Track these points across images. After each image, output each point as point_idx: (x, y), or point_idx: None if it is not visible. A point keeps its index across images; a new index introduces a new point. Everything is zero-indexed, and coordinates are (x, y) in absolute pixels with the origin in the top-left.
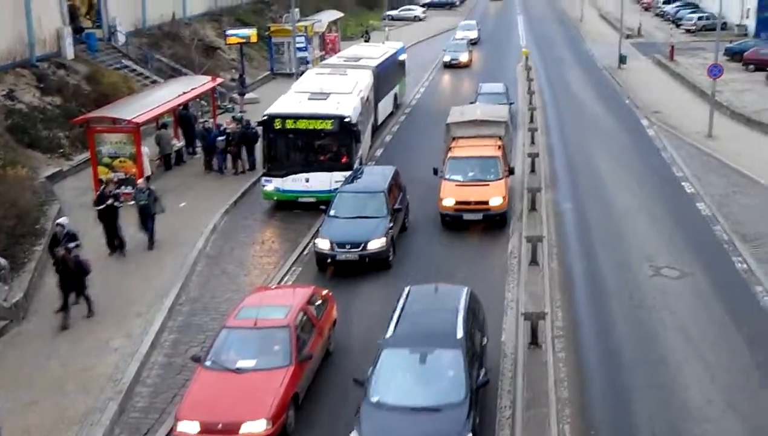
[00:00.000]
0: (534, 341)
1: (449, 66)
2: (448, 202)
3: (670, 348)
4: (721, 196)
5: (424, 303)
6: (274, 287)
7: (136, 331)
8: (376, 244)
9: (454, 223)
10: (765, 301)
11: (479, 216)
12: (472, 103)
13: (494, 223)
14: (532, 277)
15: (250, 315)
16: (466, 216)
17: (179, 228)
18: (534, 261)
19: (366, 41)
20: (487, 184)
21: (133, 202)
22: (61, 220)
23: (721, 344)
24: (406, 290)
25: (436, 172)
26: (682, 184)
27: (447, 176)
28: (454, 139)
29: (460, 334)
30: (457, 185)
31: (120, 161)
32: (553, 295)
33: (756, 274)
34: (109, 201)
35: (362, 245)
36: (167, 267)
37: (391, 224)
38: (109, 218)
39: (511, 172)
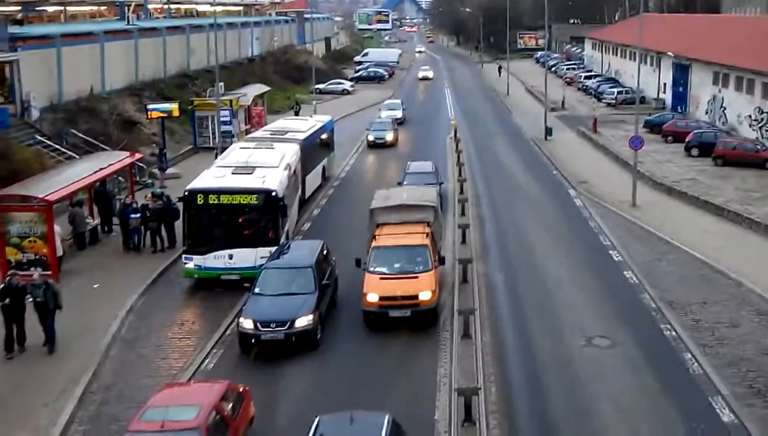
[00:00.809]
0: (468, 417)
1: (374, 146)
2: (372, 298)
3: (605, 421)
4: (646, 263)
5: None
6: (184, 382)
7: (42, 423)
8: (303, 321)
9: (379, 321)
10: (694, 368)
11: (407, 313)
12: (399, 183)
13: (423, 320)
14: (464, 351)
15: (156, 417)
16: (393, 313)
17: (92, 311)
18: (466, 334)
19: (296, 113)
20: (416, 277)
21: (30, 298)
22: None
23: (654, 414)
24: (315, 421)
25: (359, 263)
26: (610, 252)
27: (371, 268)
28: (378, 225)
29: None
30: (381, 279)
31: (30, 241)
32: (487, 369)
33: (684, 340)
34: (6, 300)
35: (288, 323)
36: (78, 353)
37: (320, 301)
38: (14, 313)
39: (441, 261)
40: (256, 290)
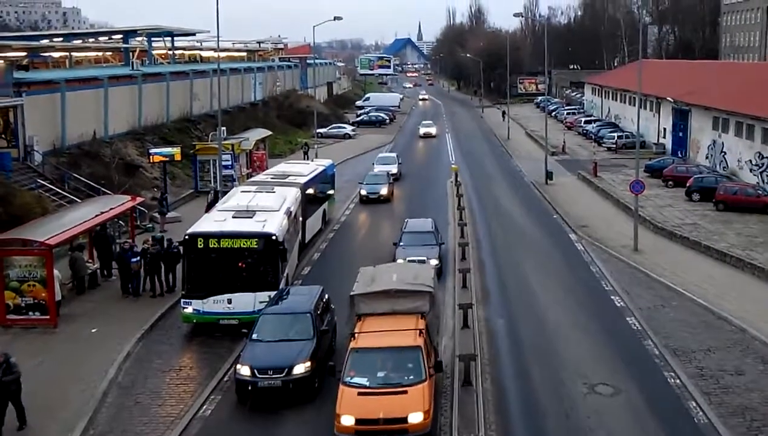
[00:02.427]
0: None
1: (367, 201)
2: (347, 421)
3: None
4: (649, 309)
5: None
6: None
7: None
8: (301, 368)
9: None
10: (699, 417)
11: None
12: (395, 243)
13: None
14: (465, 398)
15: None
16: None
17: (90, 356)
18: (467, 381)
19: (305, 153)
20: (404, 391)
21: None
22: None
23: None
24: None
25: (333, 372)
26: (612, 298)
27: (347, 379)
28: (359, 317)
29: None
30: (360, 394)
31: (29, 285)
32: (488, 417)
33: (688, 389)
34: None
35: (286, 370)
36: (74, 399)
37: (318, 347)
38: None
39: (437, 367)
40: (254, 335)
